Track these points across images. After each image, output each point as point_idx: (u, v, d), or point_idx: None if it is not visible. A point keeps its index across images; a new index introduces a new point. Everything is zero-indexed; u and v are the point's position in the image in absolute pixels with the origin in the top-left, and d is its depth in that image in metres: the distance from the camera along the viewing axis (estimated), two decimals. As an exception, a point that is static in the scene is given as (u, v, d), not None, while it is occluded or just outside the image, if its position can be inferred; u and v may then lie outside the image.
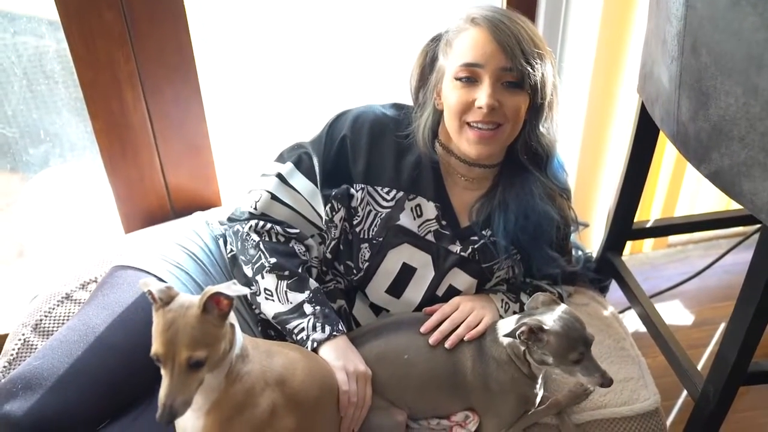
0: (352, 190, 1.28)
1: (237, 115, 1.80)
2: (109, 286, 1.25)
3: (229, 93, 1.76)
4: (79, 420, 1.10)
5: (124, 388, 1.14)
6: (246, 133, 1.84)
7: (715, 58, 1.05)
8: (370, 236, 1.27)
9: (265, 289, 1.23)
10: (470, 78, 1.19)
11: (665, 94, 1.23)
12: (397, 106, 1.34)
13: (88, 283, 1.43)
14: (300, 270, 1.25)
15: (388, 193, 1.28)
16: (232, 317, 0.97)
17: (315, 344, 1.18)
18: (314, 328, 1.19)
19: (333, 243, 1.29)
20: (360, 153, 1.27)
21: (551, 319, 1.12)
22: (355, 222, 1.27)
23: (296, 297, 1.22)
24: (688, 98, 1.15)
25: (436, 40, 1.28)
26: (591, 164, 1.87)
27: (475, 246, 1.31)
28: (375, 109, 1.31)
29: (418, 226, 1.29)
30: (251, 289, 1.25)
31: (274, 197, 1.28)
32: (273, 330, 1.30)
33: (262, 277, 1.24)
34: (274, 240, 1.26)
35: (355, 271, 1.28)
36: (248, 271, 1.26)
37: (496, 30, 1.17)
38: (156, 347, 0.90)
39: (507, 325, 1.19)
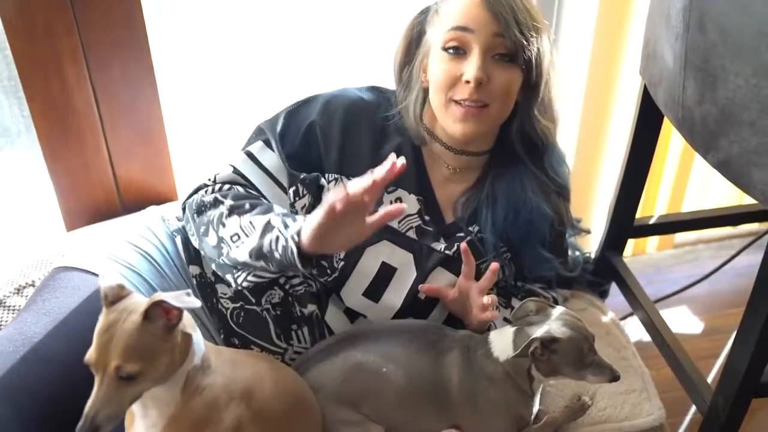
0: (323, 181, 1.28)
1: (195, 97, 1.80)
2: (49, 289, 1.24)
3: (186, 72, 1.76)
4: None
5: (66, 403, 1.13)
6: (206, 118, 1.83)
7: (723, 34, 1.08)
8: None
9: (231, 237, 1.19)
10: (458, 49, 1.21)
11: (669, 75, 1.25)
12: (375, 89, 1.35)
13: (25, 287, 1.42)
14: (263, 201, 1.24)
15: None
16: (191, 326, 0.98)
17: (296, 237, 1.10)
18: (286, 226, 1.14)
19: None
20: (333, 141, 1.28)
21: (558, 327, 1.14)
22: None
23: (262, 219, 1.17)
24: (694, 80, 1.17)
25: (424, 12, 1.30)
26: (589, 154, 1.90)
27: (461, 243, 1.32)
28: (349, 93, 1.32)
29: (399, 222, 1.30)
30: (221, 259, 1.21)
31: (236, 171, 1.28)
32: (236, 338, 1.30)
33: (224, 226, 1.20)
34: (232, 192, 1.25)
35: (329, 272, 1.29)
36: (212, 238, 1.22)
37: None
38: (89, 352, 0.91)
39: (501, 339, 1.20)
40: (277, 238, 1.13)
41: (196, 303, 0.93)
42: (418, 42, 1.30)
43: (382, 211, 1.06)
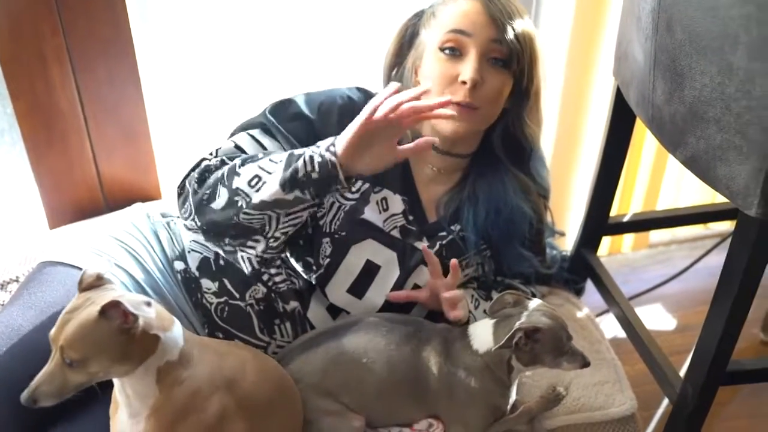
0: None
1: (179, 97, 1.81)
2: (36, 283, 1.25)
3: (170, 72, 1.77)
4: None
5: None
6: (189, 118, 1.84)
7: (690, 35, 1.12)
8: (333, 230, 1.30)
9: (250, 181, 1.15)
10: (455, 50, 1.24)
11: (640, 75, 1.30)
12: (361, 90, 1.35)
13: (9, 283, 1.43)
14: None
15: (353, 183, 1.30)
16: (160, 327, 0.99)
17: (332, 147, 1.11)
18: (317, 146, 1.13)
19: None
20: None
21: (538, 317, 1.17)
22: (318, 214, 1.29)
23: (282, 155, 1.15)
24: (663, 79, 1.21)
25: (418, 15, 1.33)
26: (565, 153, 1.93)
27: (443, 242, 1.35)
28: (340, 93, 1.32)
29: (384, 221, 1.33)
30: (236, 217, 1.15)
31: (238, 147, 1.27)
32: (220, 332, 1.32)
33: (239, 176, 1.16)
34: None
35: (314, 268, 1.30)
36: (221, 197, 1.17)
37: (489, 2, 1.23)
38: (53, 328, 0.95)
39: (480, 331, 1.23)
40: (311, 157, 1.11)
41: (151, 313, 0.95)
42: (411, 43, 1.33)
43: (414, 143, 1.10)
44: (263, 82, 1.82)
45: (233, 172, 1.17)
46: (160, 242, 1.39)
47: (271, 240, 1.19)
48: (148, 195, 1.72)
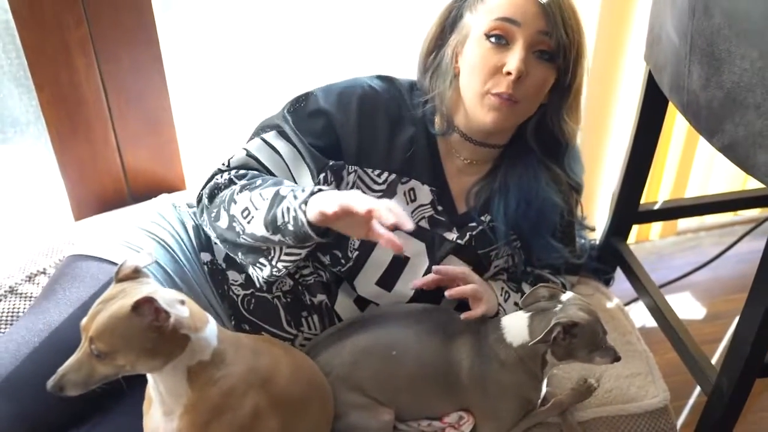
0: (344, 172, 1.28)
1: (204, 86, 1.80)
2: (69, 278, 1.25)
3: (194, 61, 1.76)
4: (38, 429, 1.11)
5: (88, 392, 1.15)
6: (214, 107, 1.83)
7: (729, 18, 1.09)
8: None
9: (242, 212, 1.16)
10: (501, 38, 1.20)
11: (674, 60, 1.27)
12: (385, 78, 1.34)
13: (36, 275, 1.43)
14: (275, 177, 1.23)
15: (379, 175, 1.29)
16: (192, 327, 0.98)
17: (303, 206, 1.08)
18: (295, 197, 1.11)
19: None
20: (350, 133, 1.27)
21: (575, 311, 1.16)
22: None
23: (271, 191, 1.15)
24: (700, 64, 1.18)
25: None
26: (594, 140, 1.90)
27: (473, 233, 1.33)
28: (360, 82, 1.30)
29: (412, 212, 1.31)
30: (241, 238, 1.17)
31: (250, 155, 1.26)
32: (247, 324, 1.32)
33: (235, 203, 1.17)
34: (248, 174, 1.24)
35: (343, 261, 1.30)
36: (223, 220, 1.19)
37: None
38: (85, 317, 0.95)
39: (514, 324, 1.21)
40: (288, 209, 1.11)
41: (185, 312, 0.94)
42: (453, 27, 1.28)
43: (386, 236, 1.05)
44: (288, 70, 1.81)
45: (232, 199, 1.19)
46: (187, 232, 1.38)
47: (275, 269, 1.20)
48: (173, 186, 1.72)
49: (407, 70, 1.38)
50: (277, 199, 1.13)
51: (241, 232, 1.17)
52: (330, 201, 1.03)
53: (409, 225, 1.03)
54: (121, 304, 0.93)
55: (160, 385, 1.01)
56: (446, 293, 1.25)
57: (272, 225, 1.13)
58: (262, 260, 1.21)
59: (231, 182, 1.22)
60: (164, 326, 0.94)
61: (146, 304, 0.92)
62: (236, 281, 1.33)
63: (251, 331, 1.31)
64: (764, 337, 1.25)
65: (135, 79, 1.58)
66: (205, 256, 1.35)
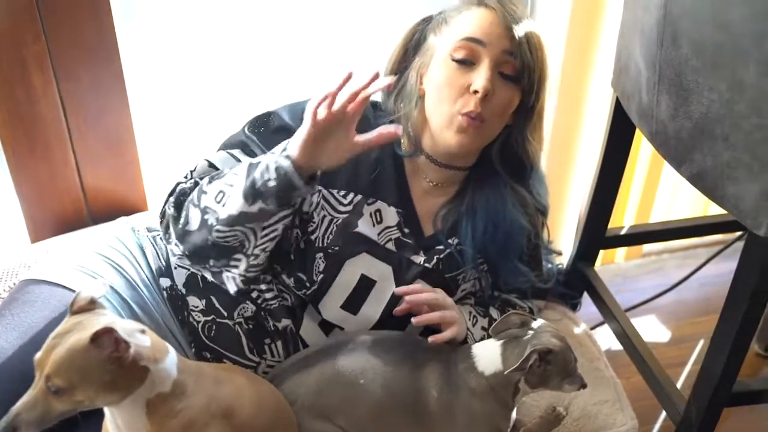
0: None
1: (166, 105, 1.78)
2: (19, 303, 1.22)
3: (156, 79, 1.74)
4: None
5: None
6: (177, 126, 1.81)
7: (697, 50, 1.09)
8: (326, 244, 1.27)
9: (216, 197, 1.14)
10: (466, 60, 1.21)
11: (643, 89, 1.27)
12: None
13: (-11, 299, 1.39)
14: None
15: (344, 196, 1.28)
16: (152, 358, 0.95)
17: (284, 152, 1.10)
18: (272, 153, 1.12)
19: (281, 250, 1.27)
20: None
21: (548, 338, 1.15)
22: (309, 229, 1.27)
23: (242, 166, 1.14)
24: (668, 94, 1.19)
25: (427, 20, 1.30)
26: (560, 165, 1.92)
27: (440, 256, 1.32)
28: None
29: (378, 234, 1.30)
30: (211, 235, 1.15)
31: (212, 165, 1.25)
32: (208, 351, 1.29)
33: (206, 194, 1.16)
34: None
35: (308, 284, 1.28)
36: (194, 219, 1.16)
37: (506, 13, 1.21)
38: (38, 352, 0.92)
39: (486, 352, 1.20)
40: (267, 166, 1.10)
41: (146, 342, 0.92)
42: (416, 49, 1.30)
43: (376, 132, 1.09)
44: (254, 86, 1.79)
45: (201, 191, 1.17)
46: (145, 257, 1.35)
47: (252, 258, 1.18)
48: (134, 207, 1.69)
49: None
50: (252, 167, 1.12)
51: (214, 223, 1.14)
52: (307, 122, 1.05)
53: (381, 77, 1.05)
54: (79, 337, 0.90)
55: (118, 419, 0.98)
56: (413, 320, 1.23)
57: (251, 191, 1.10)
58: (236, 255, 1.18)
59: (196, 184, 1.20)
60: (124, 357, 0.91)
61: (105, 335, 0.89)
62: (196, 307, 1.30)
63: (213, 358, 1.29)
64: (733, 368, 1.25)
65: (95, 97, 1.55)
66: (165, 282, 1.32)
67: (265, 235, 1.17)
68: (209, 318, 1.29)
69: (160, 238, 1.37)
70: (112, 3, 1.48)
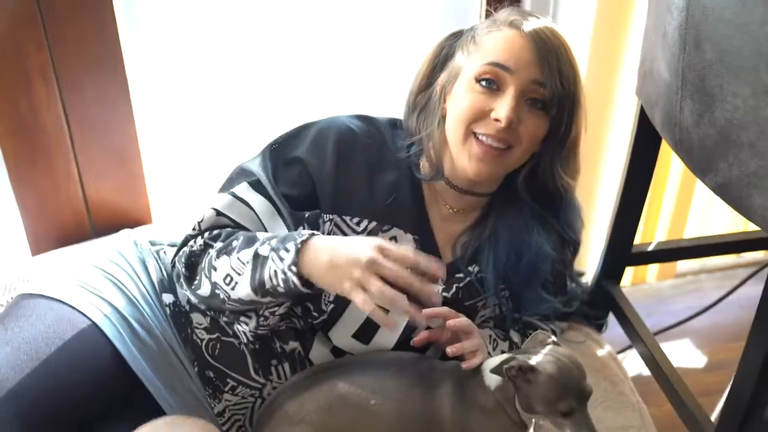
0: (320, 220, 1.26)
1: (171, 116, 1.80)
2: (13, 318, 1.23)
3: (162, 90, 1.76)
4: None
5: None
6: (182, 138, 1.83)
7: (720, 54, 1.09)
8: None
9: (224, 279, 1.17)
10: (492, 83, 1.19)
11: (666, 95, 1.27)
12: (365, 118, 1.33)
13: (-12, 314, 1.41)
14: (248, 232, 1.23)
15: (358, 223, 1.27)
16: None
17: (294, 268, 1.11)
18: (281, 259, 1.12)
19: None
20: (326, 179, 1.26)
21: (545, 359, 1.14)
22: None
23: (249, 253, 1.16)
24: (692, 100, 1.18)
25: (457, 36, 1.29)
26: (585, 177, 1.87)
27: (460, 285, 1.32)
28: (338, 122, 1.29)
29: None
30: (226, 305, 1.20)
31: (221, 214, 1.26)
32: (211, 371, 1.29)
33: (215, 270, 1.18)
34: (222, 234, 1.24)
35: (315, 314, 1.27)
36: (204, 287, 1.21)
37: (538, 39, 1.18)
38: None
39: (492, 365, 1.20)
40: (275, 272, 1.12)
41: None
42: (443, 65, 1.29)
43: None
44: (261, 99, 1.81)
45: (211, 266, 1.20)
46: (148, 273, 1.36)
47: (262, 318, 1.22)
48: (138, 220, 1.71)
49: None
50: (259, 260, 1.14)
51: (226, 299, 1.19)
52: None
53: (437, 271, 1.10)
54: None
55: None
56: (448, 351, 1.21)
57: (261, 289, 1.15)
58: (247, 313, 1.23)
59: (207, 246, 1.22)
60: None
61: None
62: (200, 324, 1.30)
63: (216, 378, 1.29)
64: (763, 393, 1.23)
65: (99, 109, 1.57)
66: (168, 298, 1.33)
67: (277, 304, 1.21)
68: (213, 336, 1.30)
69: (164, 252, 1.39)
70: (118, 15, 1.51)
